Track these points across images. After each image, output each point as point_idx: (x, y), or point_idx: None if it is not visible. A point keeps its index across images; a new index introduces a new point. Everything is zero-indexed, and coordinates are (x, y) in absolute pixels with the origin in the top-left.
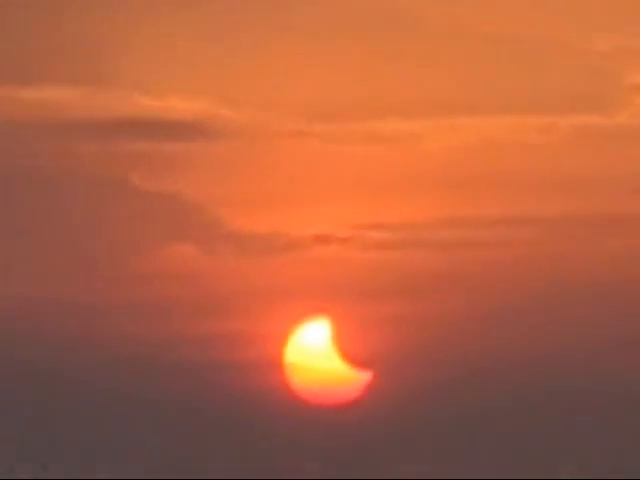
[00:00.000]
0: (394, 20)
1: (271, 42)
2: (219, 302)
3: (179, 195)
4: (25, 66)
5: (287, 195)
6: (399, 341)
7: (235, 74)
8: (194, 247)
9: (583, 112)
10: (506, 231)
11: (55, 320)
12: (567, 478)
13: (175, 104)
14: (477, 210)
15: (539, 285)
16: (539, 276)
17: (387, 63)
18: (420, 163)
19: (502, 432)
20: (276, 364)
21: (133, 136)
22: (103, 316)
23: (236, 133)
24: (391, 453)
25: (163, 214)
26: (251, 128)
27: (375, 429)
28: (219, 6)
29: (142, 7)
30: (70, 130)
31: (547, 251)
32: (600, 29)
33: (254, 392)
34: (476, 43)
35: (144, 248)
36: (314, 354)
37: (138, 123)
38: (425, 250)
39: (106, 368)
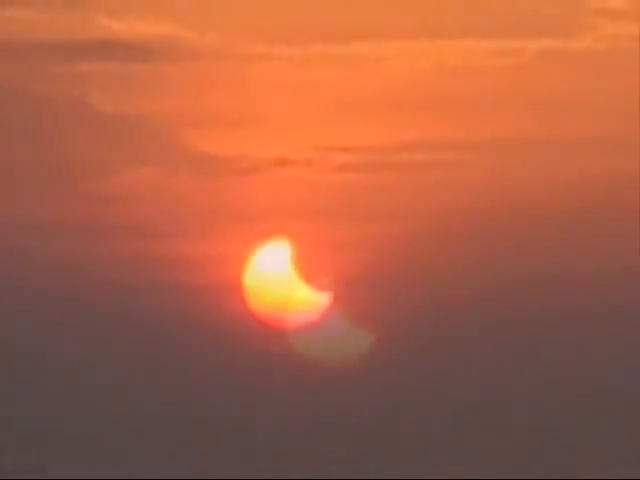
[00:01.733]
0: None
1: None
2: (180, 224)
3: (142, 117)
4: None
5: (249, 118)
6: (359, 263)
7: None
8: (156, 169)
9: (549, 36)
10: (470, 154)
11: (15, 240)
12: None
13: (139, 27)
14: (441, 133)
15: (503, 207)
16: (503, 198)
17: None
18: (383, 86)
19: (475, 339)
20: (236, 286)
21: (97, 58)
22: (64, 237)
23: (199, 55)
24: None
25: (126, 136)
26: (214, 51)
27: (334, 352)
28: None
29: None
30: (34, 51)
31: (512, 174)
32: None
33: (214, 315)
34: None
35: (107, 170)
36: (274, 277)
37: (102, 45)
38: (386, 173)
39: (67, 288)
